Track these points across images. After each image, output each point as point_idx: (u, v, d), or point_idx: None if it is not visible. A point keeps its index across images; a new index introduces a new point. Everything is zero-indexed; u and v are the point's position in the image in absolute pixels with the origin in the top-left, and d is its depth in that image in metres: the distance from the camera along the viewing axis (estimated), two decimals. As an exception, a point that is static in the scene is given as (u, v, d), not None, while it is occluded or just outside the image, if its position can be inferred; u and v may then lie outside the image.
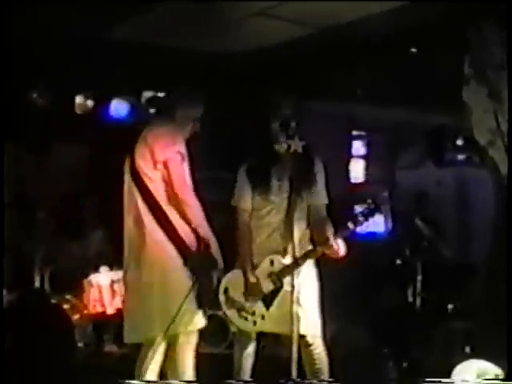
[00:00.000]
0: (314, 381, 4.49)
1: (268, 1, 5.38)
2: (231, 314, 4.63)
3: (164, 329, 4.21)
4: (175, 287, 4.27)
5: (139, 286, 4.35)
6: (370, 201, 4.44)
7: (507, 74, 4.56)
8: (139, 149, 4.39)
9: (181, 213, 4.32)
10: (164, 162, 4.31)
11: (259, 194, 4.62)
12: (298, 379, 4.09)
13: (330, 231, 4.52)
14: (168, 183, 4.33)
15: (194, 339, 4.41)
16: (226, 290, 4.63)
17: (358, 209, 4.49)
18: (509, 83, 4.57)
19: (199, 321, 4.36)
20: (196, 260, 4.30)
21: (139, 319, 4.35)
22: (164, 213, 4.32)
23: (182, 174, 4.36)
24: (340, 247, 4.45)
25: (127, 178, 4.44)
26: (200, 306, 4.32)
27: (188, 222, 4.32)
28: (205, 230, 4.36)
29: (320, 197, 4.71)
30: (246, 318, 4.57)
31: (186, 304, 4.21)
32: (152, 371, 4.36)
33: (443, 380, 4.03)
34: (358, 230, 4.50)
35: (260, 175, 4.64)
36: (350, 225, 4.44)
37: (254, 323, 4.55)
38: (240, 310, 4.59)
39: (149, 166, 4.33)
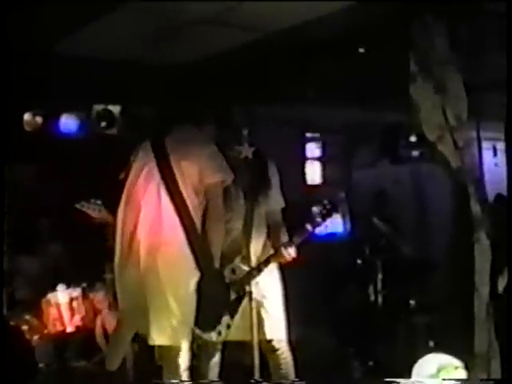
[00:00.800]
0: (283, 381, 4.49)
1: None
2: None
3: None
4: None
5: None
6: (326, 201, 4.44)
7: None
8: (184, 161, 4.39)
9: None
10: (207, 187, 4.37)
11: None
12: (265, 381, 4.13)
13: (283, 238, 4.54)
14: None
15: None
16: None
17: (315, 210, 4.48)
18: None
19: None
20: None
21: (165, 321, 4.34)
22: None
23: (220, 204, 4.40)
24: (290, 254, 4.43)
25: (157, 178, 4.40)
26: None
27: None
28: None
29: (276, 201, 4.71)
30: (212, 329, 4.47)
31: None
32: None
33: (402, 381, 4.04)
34: (317, 231, 4.48)
35: None
36: (308, 226, 4.43)
37: (219, 333, 4.48)
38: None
39: (192, 184, 4.37)
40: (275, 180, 4.73)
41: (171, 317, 4.28)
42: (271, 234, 4.66)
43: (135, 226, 4.40)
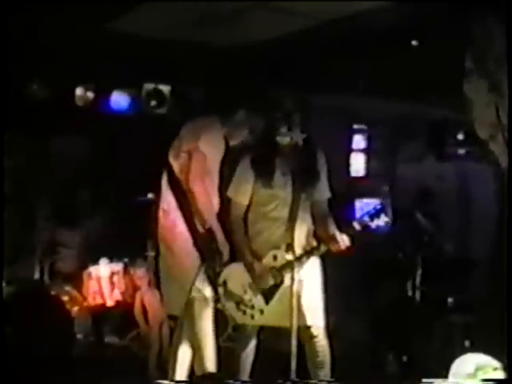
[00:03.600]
0: (312, 381, 4.49)
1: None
2: (229, 306, 4.61)
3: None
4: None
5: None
6: (376, 202, 4.45)
7: (507, 68, 4.53)
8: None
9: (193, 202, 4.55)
10: (188, 152, 4.55)
11: (263, 186, 4.55)
12: (297, 379, 4.11)
13: (333, 228, 4.52)
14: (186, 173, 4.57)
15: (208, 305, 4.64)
16: (224, 283, 4.62)
17: (364, 209, 4.49)
18: (509, 77, 4.54)
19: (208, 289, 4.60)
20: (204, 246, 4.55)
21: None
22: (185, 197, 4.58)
23: (201, 168, 4.53)
24: (344, 242, 4.43)
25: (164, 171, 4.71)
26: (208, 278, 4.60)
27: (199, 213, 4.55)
28: (212, 222, 4.57)
29: (323, 192, 4.69)
30: (244, 312, 4.54)
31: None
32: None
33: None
34: (364, 229, 4.48)
35: (264, 167, 4.57)
36: (357, 226, 4.44)
37: (252, 317, 4.52)
38: (238, 303, 4.56)
39: (174, 154, 4.64)
40: (323, 171, 4.69)
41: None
42: (317, 225, 4.63)
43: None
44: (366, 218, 4.43)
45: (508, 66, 4.49)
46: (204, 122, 4.74)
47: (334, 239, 4.43)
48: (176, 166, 4.65)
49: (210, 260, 4.59)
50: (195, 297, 4.62)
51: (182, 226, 4.59)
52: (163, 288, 4.86)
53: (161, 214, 4.71)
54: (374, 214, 4.42)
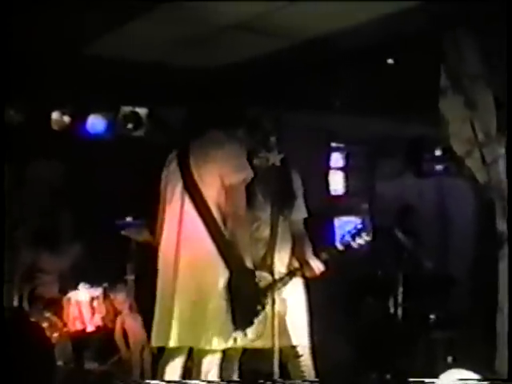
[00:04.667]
0: (298, 380, 4.49)
1: None
2: None
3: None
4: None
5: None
6: (357, 222, 4.49)
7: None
8: (204, 164, 4.38)
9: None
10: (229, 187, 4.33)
11: (247, 211, 4.51)
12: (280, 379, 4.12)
13: (309, 251, 4.56)
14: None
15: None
16: None
17: (344, 227, 4.52)
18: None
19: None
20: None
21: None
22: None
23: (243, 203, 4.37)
24: (319, 267, 4.50)
25: (179, 188, 4.41)
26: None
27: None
28: None
29: (299, 211, 4.72)
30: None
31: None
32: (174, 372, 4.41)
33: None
34: (347, 249, 4.52)
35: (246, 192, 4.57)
36: (339, 246, 4.50)
37: (235, 340, 4.44)
38: None
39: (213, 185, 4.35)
40: (299, 190, 4.74)
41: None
42: (296, 245, 4.66)
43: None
44: (348, 238, 4.46)
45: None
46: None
47: (308, 265, 4.49)
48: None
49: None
50: None
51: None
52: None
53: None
54: (356, 234, 4.46)
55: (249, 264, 4.34)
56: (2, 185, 6.01)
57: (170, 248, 4.39)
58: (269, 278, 4.37)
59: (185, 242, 4.33)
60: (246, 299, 4.36)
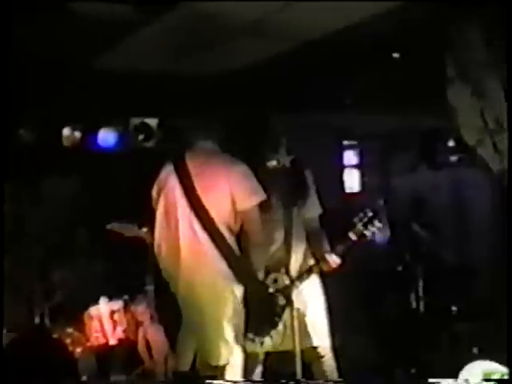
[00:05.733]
0: (320, 380, 4.47)
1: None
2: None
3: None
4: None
5: None
6: (367, 209, 4.43)
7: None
8: (212, 183, 4.24)
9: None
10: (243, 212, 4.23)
11: (261, 215, 4.48)
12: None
13: (325, 246, 4.52)
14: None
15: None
16: None
17: (357, 218, 4.46)
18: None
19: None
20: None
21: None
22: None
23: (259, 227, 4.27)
24: (335, 261, 4.44)
25: (185, 206, 4.25)
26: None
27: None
28: None
29: (313, 209, 4.67)
30: (253, 340, 4.45)
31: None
32: None
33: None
34: (360, 239, 4.44)
35: None
36: (351, 235, 4.42)
37: (262, 343, 4.46)
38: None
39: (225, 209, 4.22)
40: (312, 189, 4.68)
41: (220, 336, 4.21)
42: (311, 243, 4.61)
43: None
44: (360, 227, 4.41)
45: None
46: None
47: (324, 259, 4.44)
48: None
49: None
50: None
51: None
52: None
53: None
54: (368, 222, 4.39)
55: (261, 273, 4.31)
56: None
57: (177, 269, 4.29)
58: (286, 278, 4.37)
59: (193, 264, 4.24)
60: (265, 307, 4.34)
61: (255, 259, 4.27)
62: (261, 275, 4.33)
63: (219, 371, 4.22)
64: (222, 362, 4.20)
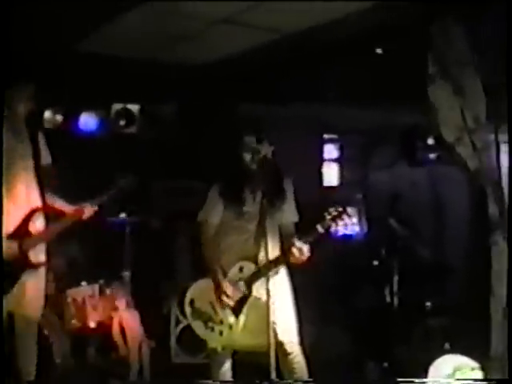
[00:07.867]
0: (291, 381, 4.46)
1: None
2: (197, 325, 4.57)
3: None
4: None
5: None
6: (338, 205, 4.44)
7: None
8: None
9: None
10: None
11: (234, 204, 4.58)
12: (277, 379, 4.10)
13: (293, 238, 4.49)
14: None
15: None
16: (191, 302, 4.59)
17: (327, 212, 4.46)
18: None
19: None
20: None
21: None
22: None
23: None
24: (302, 252, 4.41)
25: None
26: None
27: None
28: None
29: (290, 215, 4.70)
30: (212, 329, 4.49)
31: None
32: None
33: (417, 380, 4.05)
34: (328, 232, 4.46)
35: (233, 194, 4.60)
36: (319, 227, 4.42)
37: (221, 333, 4.47)
38: (206, 321, 4.51)
39: None
40: (290, 193, 4.71)
41: None
42: (284, 245, 4.60)
43: None
44: (329, 221, 4.40)
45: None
46: None
47: (290, 251, 4.41)
48: None
49: None
50: None
51: None
52: None
53: None
54: (336, 216, 4.40)
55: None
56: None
57: None
58: (252, 266, 4.43)
59: None
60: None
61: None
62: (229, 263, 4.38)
63: None
64: None
